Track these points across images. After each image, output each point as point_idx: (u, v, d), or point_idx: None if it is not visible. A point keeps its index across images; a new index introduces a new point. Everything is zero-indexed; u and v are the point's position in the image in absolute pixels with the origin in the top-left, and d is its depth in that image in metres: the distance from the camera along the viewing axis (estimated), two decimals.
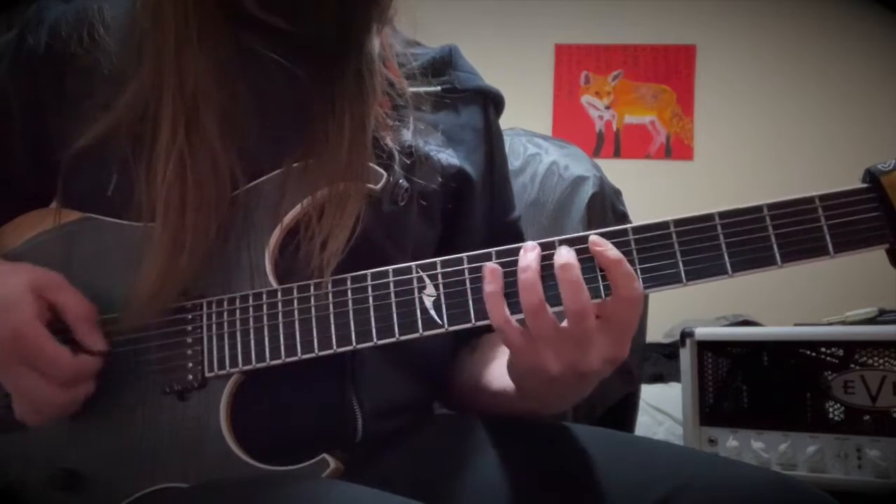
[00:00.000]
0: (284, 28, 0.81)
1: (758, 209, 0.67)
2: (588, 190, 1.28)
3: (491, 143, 0.91)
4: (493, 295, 0.68)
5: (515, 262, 0.68)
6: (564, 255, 0.67)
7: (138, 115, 0.76)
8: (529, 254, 0.68)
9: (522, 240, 0.92)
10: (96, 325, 0.74)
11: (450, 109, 0.89)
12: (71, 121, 0.78)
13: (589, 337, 0.66)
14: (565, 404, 0.75)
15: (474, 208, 0.89)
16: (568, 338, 0.66)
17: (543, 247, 0.69)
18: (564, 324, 0.66)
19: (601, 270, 0.67)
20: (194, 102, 0.74)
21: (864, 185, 0.67)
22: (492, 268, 0.69)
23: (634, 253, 0.68)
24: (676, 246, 0.67)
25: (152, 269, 0.72)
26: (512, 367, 0.72)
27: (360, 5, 0.77)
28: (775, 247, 0.67)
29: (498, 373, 0.79)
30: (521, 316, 0.67)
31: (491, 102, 0.93)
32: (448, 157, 0.85)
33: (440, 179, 0.84)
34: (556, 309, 0.67)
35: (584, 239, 0.68)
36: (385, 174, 0.77)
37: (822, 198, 0.67)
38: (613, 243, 0.68)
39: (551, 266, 0.67)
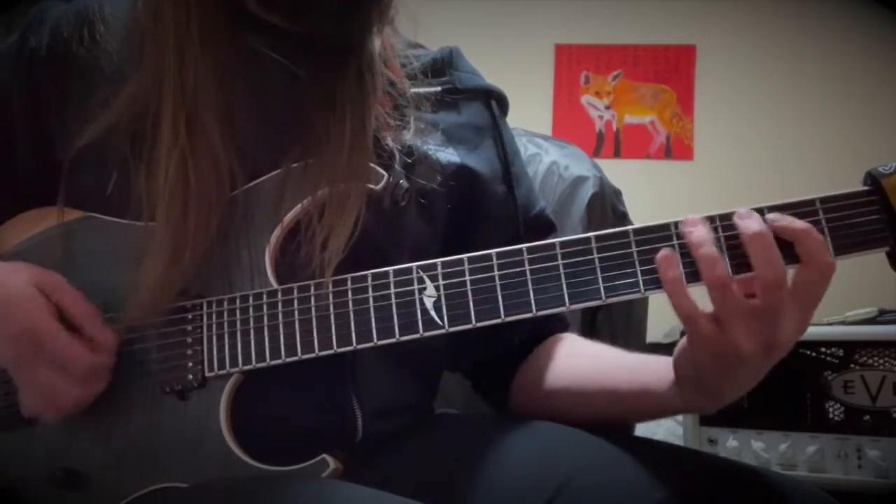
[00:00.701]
0: (285, 27, 0.81)
1: (758, 211, 0.67)
2: (588, 190, 1.28)
3: (500, 139, 0.91)
4: (677, 282, 0.65)
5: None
6: (754, 224, 0.64)
7: (138, 113, 0.76)
8: (699, 228, 0.66)
9: (555, 229, 0.93)
10: (102, 321, 0.74)
11: (451, 109, 0.89)
12: (72, 120, 0.78)
13: (781, 308, 0.64)
14: (736, 394, 0.70)
15: (488, 203, 0.88)
16: (760, 312, 0.63)
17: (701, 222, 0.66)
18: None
19: (784, 243, 0.64)
20: (195, 101, 0.75)
21: (865, 188, 0.67)
22: (667, 254, 0.66)
23: (635, 254, 0.68)
24: (677, 248, 0.67)
25: (154, 268, 0.72)
26: (689, 358, 0.68)
27: (361, 4, 0.77)
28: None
29: (625, 373, 0.76)
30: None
31: (493, 99, 0.93)
32: (448, 155, 0.85)
33: (440, 178, 0.84)
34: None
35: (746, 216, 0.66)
36: (386, 174, 0.77)
37: (823, 200, 0.67)
38: (613, 245, 0.68)
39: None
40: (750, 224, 0.65)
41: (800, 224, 0.65)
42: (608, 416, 0.78)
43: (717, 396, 0.70)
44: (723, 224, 0.67)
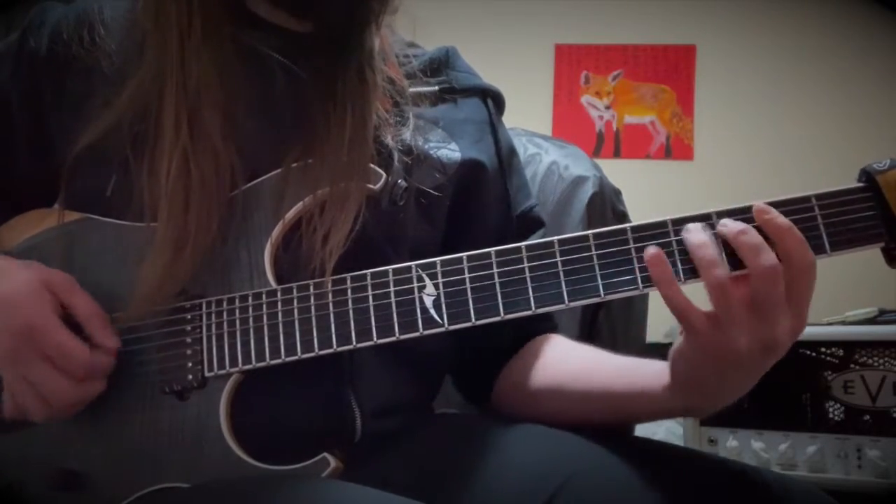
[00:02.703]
0: (287, 26, 0.81)
1: (748, 209, 0.67)
2: (588, 190, 1.28)
3: (495, 133, 0.91)
4: (668, 281, 0.65)
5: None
6: (734, 224, 0.65)
7: (139, 113, 0.76)
8: (697, 229, 0.66)
9: (543, 225, 0.93)
10: (108, 324, 0.74)
11: (449, 104, 0.89)
12: (72, 122, 0.78)
13: (776, 305, 0.63)
14: (733, 396, 0.70)
15: (486, 196, 0.88)
16: (756, 310, 0.63)
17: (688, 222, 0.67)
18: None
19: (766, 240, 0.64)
20: (196, 100, 0.75)
21: (860, 185, 0.68)
22: (656, 253, 0.65)
23: (633, 251, 0.68)
24: (674, 245, 0.67)
25: (156, 267, 0.72)
26: (686, 358, 0.68)
27: (362, 2, 0.78)
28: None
29: (618, 373, 0.76)
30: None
31: (490, 98, 0.93)
32: (449, 152, 0.85)
33: (440, 177, 0.84)
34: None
35: (747, 210, 0.66)
36: (384, 174, 0.77)
37: (819, 197, 0.67)
38: (611, 242, 0.69)
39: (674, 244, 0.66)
40: (729, 225, 0.65)
41: (782, 221, 0.65)
42: (599, 419, 0.77)
43: (713, 398, 0.70)
44: (720, 221, 0.66)
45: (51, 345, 0.70)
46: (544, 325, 0.90)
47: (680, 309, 0.65)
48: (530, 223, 0.92)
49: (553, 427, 0.75)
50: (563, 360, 0.84)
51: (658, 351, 0.75)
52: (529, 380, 0.84)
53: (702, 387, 0.69)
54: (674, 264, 0.66)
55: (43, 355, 0.70)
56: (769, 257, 0.63)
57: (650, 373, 0.73)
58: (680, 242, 0.67)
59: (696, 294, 0.70)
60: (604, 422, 0.77)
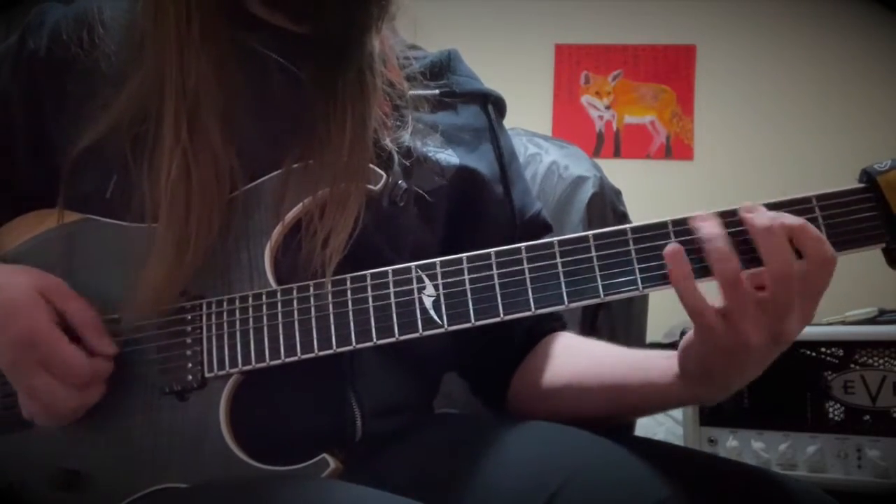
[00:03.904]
0: (286, 28, 0.81)
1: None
2: (588, 190, 1.28)
3: (497, 141, 0.91)
4: (685, 276, 0.64)
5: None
6: (763, 218, 0.64)
7: (138, 115, 0.76)
8: (710, 222, 0.65)
9: (550, 229, 0.93)
10: (104, 330, 0.74)
11: (449, 110, 0.89)
12: (72, 123, 0.78)
13: (790, 301, 0.64)
14: (740, 384, 0.71)
15: (487, 204, 0.88)
16: (769, 305, 0.64)
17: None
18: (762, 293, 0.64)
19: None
20: (196, 101, 0.75)
21: (861, 185, 0.68)
22: (675, 248, 0.65)
23: (633, 252, 0.68)
24: (685, 244, 0.67)
25: (157, 268, 0.72)
26: (696, 353, 0.68)
27: (362, 2, 0.78)
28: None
29: (627, 366, 0.76)
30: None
31: (490, 103, 0.93)
32: (448, 156, 0.85)
33: (439, 179, 0.84)
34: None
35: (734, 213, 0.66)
36: (384, 175, 0.77)
37: (819, 198, 0.67)
38: (611, 243, 0.69)
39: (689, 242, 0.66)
40: (758, 218, 0.65)
41: (791, 220, 0.65)
42: (611, 412, 0.78)
43: (722, 388, 0.71)
44: (728, 220, 0.67)
45: (50, 355, 0.71)
46: (553, 324, 0.90)
47: (695, 306, 0.65)
48: (538, 228, 0.92)
49: (568, 423, 0.76)
50: (575, 357, 0.84)
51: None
52: (543, 378, 0.84)
53: (711, 378, 0.69)
54: None
55: (43, 365, 0.71)
56: (788, 253, 0.64)
57: (657, 365, 0.74)
58: (689, 242, 0.67)
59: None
60: (615, 415, 0.78)
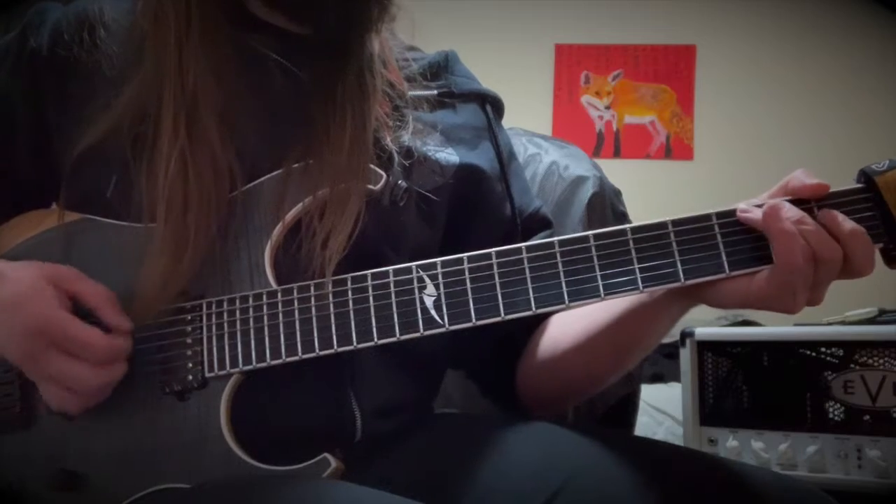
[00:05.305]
0: (286, 28, 0.81)
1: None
2: (588, 190, 1.28)
3: (496, 139, 0.91)
4: (792, 235, 0.65)
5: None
6: (849, 221, 0.66)
7: (138, 115, 0.76)
8: (787, 205, 0.66)
9: (551, 225, 0.93)
10: (119, 307, 0.73)
11: (448, 109, 0.89)
12: (73, 122, 0.79)
13: (830, 281, 0.67)
14: None
15: (487, 202, 0.88)
16: (815, 285, 0.66)
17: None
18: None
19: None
20: (195, 102, 0.75)
21: (859, 186, 0.68)
22: (778, 203, 0.66)
23: (633, 252, 0.68)
24: (674, 245, 0.68)
25: (156, 268, 0.72)
26: (742, 295, 0.68)
27: (362, 4, 0.78)
28: (772, 246, 0.67)
29: (620, 304, 0.77)
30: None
31: (488, 103, 0.93)
32: (447, 155, 0.85)
33: (439, 178, 0.84)
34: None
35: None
36: (384, 175, 0.77)
37: (818, 198, 0.67)
38: (612, 243, 0.69)
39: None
40: (843, 219, 0.66)
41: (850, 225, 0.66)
42: (620, 354, 0.78)
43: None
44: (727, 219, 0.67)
45: (65, 336, 0.70)
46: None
47: (794, 263, 0.65)
48: (540, 224, 0.92)
49: (585, 389, 0.77)
50: (569, 322, 0.84)
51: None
52: (547, 355, 0.84)
53: (702, 302, 0.71)
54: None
55: (59, 349, 0.70)
56: (836, 244, 0.65)
57: (649, 294, 0.73)
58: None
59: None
60: (624, 357, 0.79)
